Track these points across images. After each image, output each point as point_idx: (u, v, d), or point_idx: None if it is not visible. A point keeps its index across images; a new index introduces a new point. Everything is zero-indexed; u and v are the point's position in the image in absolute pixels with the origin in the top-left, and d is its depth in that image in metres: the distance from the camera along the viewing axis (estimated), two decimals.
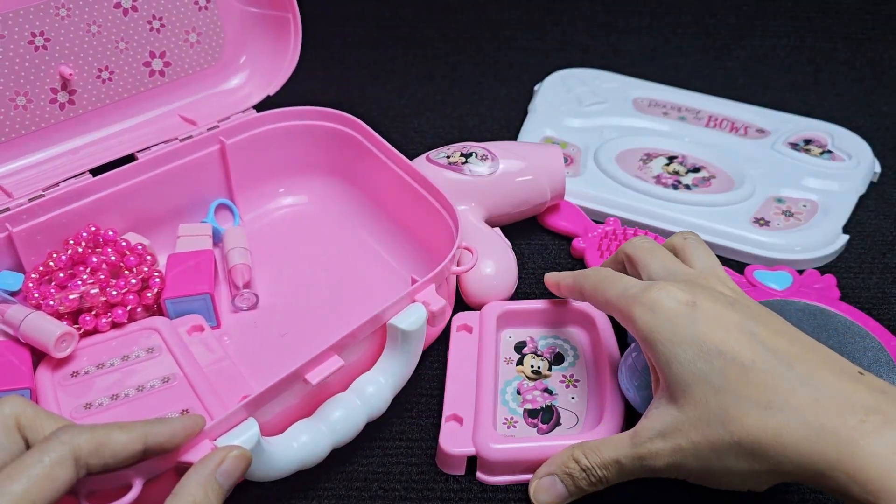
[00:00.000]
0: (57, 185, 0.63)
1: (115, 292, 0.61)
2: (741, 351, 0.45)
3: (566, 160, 0.82)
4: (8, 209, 0.61)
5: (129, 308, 0.62)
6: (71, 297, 0.60)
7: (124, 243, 0.65)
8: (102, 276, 0.62)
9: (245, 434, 0.47)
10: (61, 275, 0.62)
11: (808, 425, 0.41)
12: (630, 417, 0.58)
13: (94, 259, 0.63)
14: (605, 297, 0.53)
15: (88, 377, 0.57)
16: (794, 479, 0.43)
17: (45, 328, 0.57)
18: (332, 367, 0.52)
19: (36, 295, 0.60)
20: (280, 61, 0.73)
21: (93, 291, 0.61)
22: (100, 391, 0.56)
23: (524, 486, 0.56)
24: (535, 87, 0.95)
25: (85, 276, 0.62)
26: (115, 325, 0.62)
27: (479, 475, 0.56)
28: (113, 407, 0.55)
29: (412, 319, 0.55)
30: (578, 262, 0.74)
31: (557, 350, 0.64)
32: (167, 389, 0.56)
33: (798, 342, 0.46)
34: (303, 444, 0.51)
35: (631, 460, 0.48)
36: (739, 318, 0.47)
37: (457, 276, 0.66)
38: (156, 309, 0.64)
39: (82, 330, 0.61)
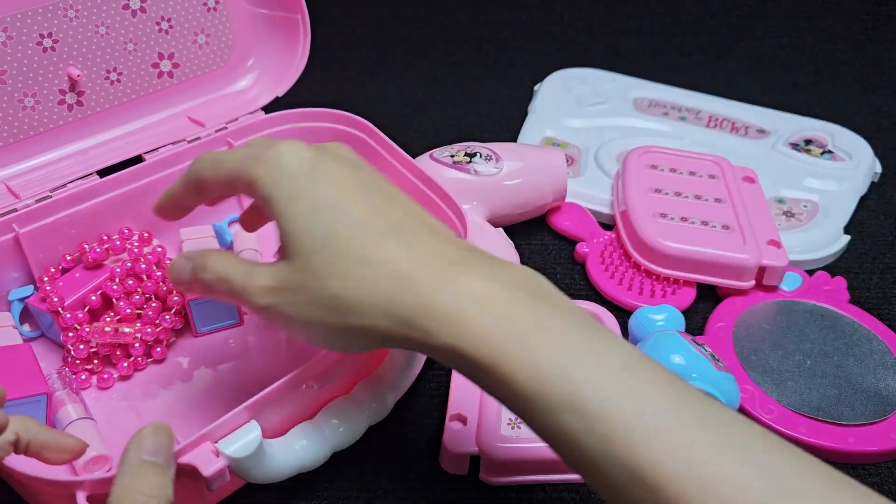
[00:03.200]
0: (64, 185, 0.63)
1: (149, 329, 0.61)
2: (353, 210, 0.44)
3: (566, 161, 0.83)
4: (15, 210, 0.61)
5: (165, 342, 0.63)
6: (107, 329, 0.60)
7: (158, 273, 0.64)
8: (140, 306, 0.63)
9: (247, 437, 0.47)
10: (93, 297, 0.61)
11: (398, 277, 0.42)
12: None
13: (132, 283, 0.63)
14: (226, 169, 0.48)
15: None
16: (386, 338, 0.43)
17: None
18: (336, 372, 0.52)
19: (48, 288, 0.60)
20: (289, 63, 0.73)
21: (126, 330, 0.60)
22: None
23: (526, 487, 0.56)
24: (536, 87, 0.95)
25: (121, 304, 0.62)
26: (156, 363, 0.63)
27: (483, 475, 0.56)
28: None
29: None
30: (580, 267, 0.74)
31: None
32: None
33: (409, 211, 0.46)
34: (303, 447, 0.50)
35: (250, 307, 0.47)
36: (360, 178, 0.46)
37: None
38: (179, 320, 0.64)
39: (118, 376, 0.61)
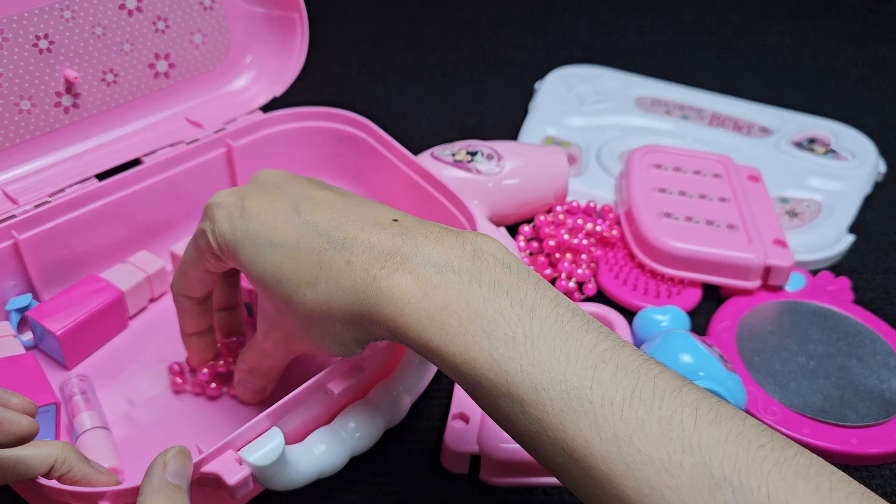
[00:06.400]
0: (63, 190, 0.63)
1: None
2: (287, 237, 0.47)
3: (568, 160, 0.82)
4: (14, 216, 0.60)
5: None
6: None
7: None
8: None
9: (270, 444, 0.47)
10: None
11: (344, 289, 0.45)
12: None
13: None
14: (190, 261, 0.54)
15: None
16: (362, 338, 0.47)
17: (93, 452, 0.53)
18: (354, 376, 0.51)
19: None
20: (286, 62, 0.72)
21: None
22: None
23: (526, 488, 0.56)
24: (536, 86, 0.95)
25: None
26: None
27: (483, 475, 0.56)
28: None
29: None
30: None
31: None
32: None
33: (339, 207, 0.49)
34: (322, 452, 0.50)
35: (263, 359, 0.55)
36: (284, 202, 0.49)
37: None
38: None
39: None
